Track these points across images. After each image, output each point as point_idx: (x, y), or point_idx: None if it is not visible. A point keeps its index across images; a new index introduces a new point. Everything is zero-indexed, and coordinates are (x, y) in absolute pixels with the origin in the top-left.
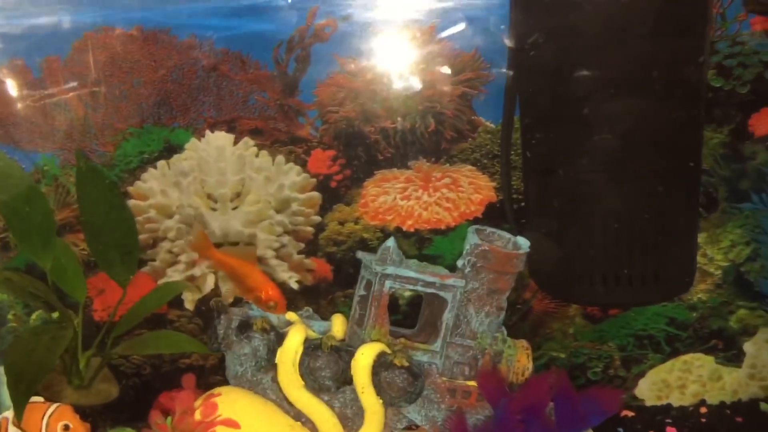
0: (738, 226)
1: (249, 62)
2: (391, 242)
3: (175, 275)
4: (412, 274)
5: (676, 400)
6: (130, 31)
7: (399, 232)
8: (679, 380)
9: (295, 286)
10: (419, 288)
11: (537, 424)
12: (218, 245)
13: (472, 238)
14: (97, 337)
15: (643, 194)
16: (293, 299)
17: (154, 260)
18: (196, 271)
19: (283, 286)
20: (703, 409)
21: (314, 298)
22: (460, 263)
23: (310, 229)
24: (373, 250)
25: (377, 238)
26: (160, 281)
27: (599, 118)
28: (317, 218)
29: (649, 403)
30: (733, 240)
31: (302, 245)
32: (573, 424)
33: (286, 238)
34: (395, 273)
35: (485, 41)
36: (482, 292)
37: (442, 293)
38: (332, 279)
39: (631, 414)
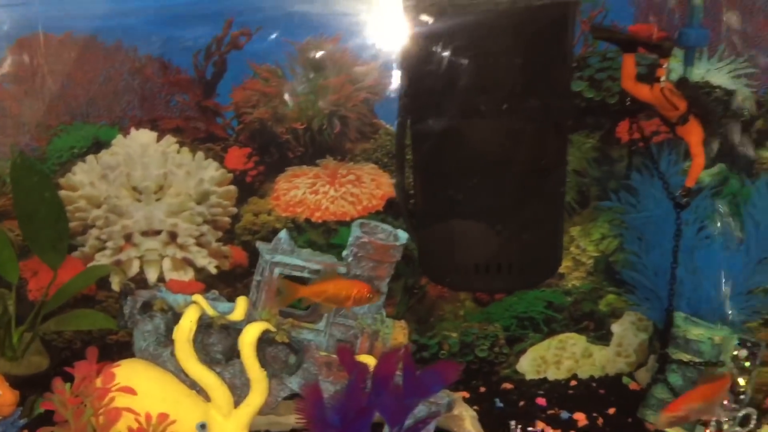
0: (607, 221)
1: (170, 67)
2: (283, 234)
3: (102, 259)
4: (298, 262)
5: (552, 375)
6: (60, 36)
7: (308, 223)
8: (555, 357)
9: (213, 270)
10: (306, 275)
11: (385, 391)
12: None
13: (355, 231)
14: (30, 315)
15: (510, 194)
16: (212, 283)
17: (83, 246)
18: (122, 256)
19: (202, 271)
20: (573, 382)
21: (231, 282)
22: (344, 253)
23: (227, 219)
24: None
25: (288, 227)
26: (89, 264)
27: (472, 128)
28: (234, 209)
29: (528, 377)
30: (602, 233)
31: (220, 234)
32: (416, 392)
33: (205, 227)
34: (283, 261)
35: (385, 51)
36: (363, 278)
37: None
38: (247, 265)
39: (510, 386)
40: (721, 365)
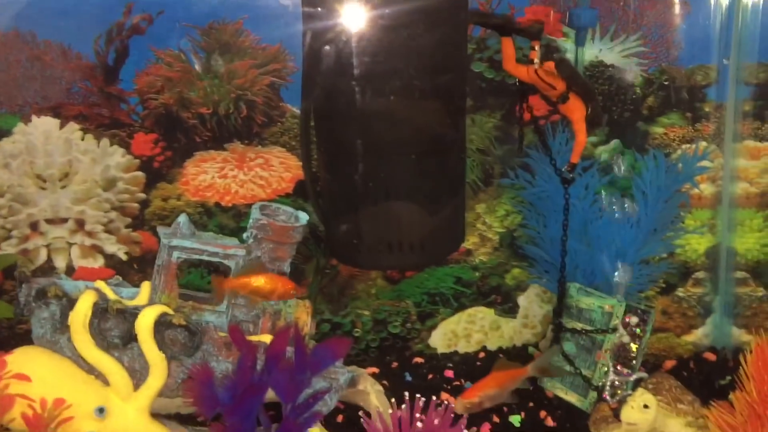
0: (510, 197)
1: (70, 53)
2: (182, 218)
3: (8, 249)
4: (196, 245)
5: (462, 348)
6: None
7: (218, 207)
8: (465, 330)
9: (124, 257)
10: (205, 257)
11: (277, 369)
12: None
13: (254, 213)
14: None
15: (411, 173)
16: (122, 269)
17: None
18: (29, 245)
19: (112, 258)
20: (482, 354)
21: (142, 267)
22: (245, 235)
23: (135, 205)
24: (194, 223)
25: (198, 212)
26: None
27: (370, 110)
28: (142, 195)
29: (440, 351)
30: (506, 210)
31: (129, 220)
32: (307, 368)
33: (113, 214)
34: (181, 244)
35: (289, 35)
36: (264, 260)
37: (225, 261)
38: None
39: (420, 360)
40: (611, 332)
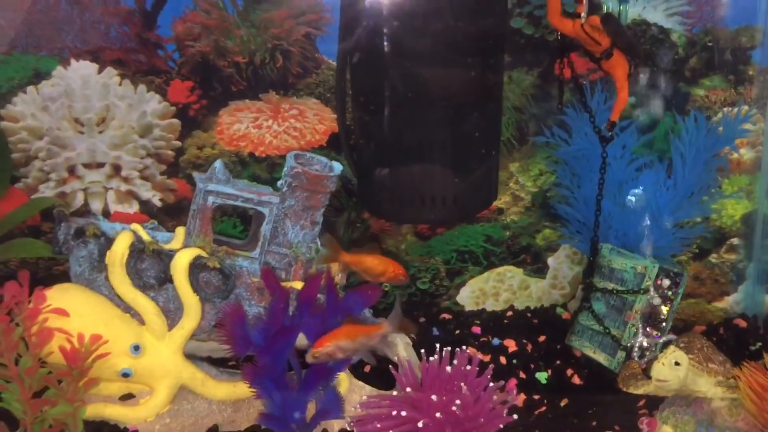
0: (544, 157)
1: None
2: (218, 163)
3: (46, 191)
4: (231, 190)
5: (490, 306)
6: None
7: (252, 157)
8: (493, 289)
9: (158, 203)
10: (239, 203)
11: (308, 313)
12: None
13: (289, 161)
14: None
15: (446, 130)
16: (157, 215)
17: (26, 177)
18: (66, 188)
19: (146, 204)
20: (510, 313)
21: (176, 215)
22: (279, 183)
23: (171, 152)
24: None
25: (232, 162)
26: (33, 196)
27: (407, 61)
28: (177, 143)
29: (467, 308)
30: (540, 169)
31: (164, 167)
32: (338, 313)
33: (149, 161)
34: (216, 189)
35: None
36: (298, 208)
37: (260, 208)
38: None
39: (449, 317)
40: (643, 293)
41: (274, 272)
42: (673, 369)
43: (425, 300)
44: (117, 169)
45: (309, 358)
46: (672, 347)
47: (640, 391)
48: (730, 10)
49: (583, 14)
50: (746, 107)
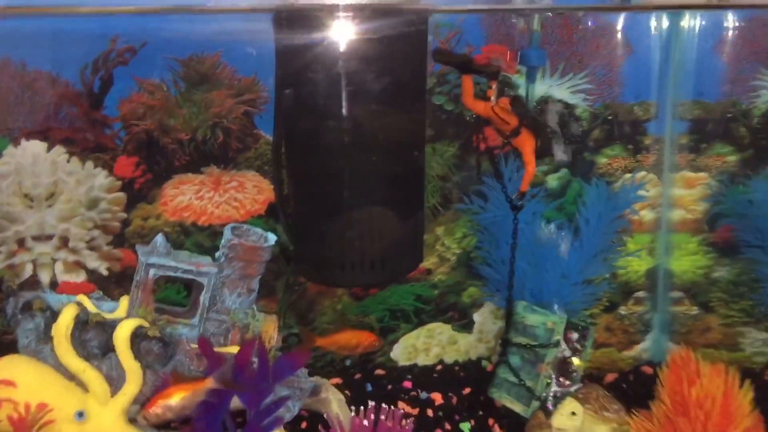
0: (467, 221)
1: (59, 81)
2: (159, 237)
3: None
4: (171, 263)
5: (421, 361)
6: None
7: (195, 227)
8: (424, 344)
9: (105, 272)
10: (179, 275)
11: (243, 375)
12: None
13: (226, 234)
14: None
15: (375, 198)
16: (104, 284)
17: None
18: (16, 260)
19: (93, 273)
20: (439, 367)
21: (122, 283)
22: (217, 255)
23: (117, 224)
24: (172, 241)
25: (176, 231)
26: None
27: (334, 142)
28: (123, 215)
29: (401, 363)
30: (464, 232)
31: (111, 238)
32: (268, 376)
33: (96, 232)
34: (157, 262)
35: (264, 68)
36: (234, 277)
37: (198, 278)
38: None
39: (382, 372)
40: (553, 346)
41: (210, 341)
42: (570, 419)
43: (361, 357)
44: (65, 240)
45: (140, 420)
46: (569, 399)
47: None
48: (626, 87)
49: (492, 98)
50: (643, 173)
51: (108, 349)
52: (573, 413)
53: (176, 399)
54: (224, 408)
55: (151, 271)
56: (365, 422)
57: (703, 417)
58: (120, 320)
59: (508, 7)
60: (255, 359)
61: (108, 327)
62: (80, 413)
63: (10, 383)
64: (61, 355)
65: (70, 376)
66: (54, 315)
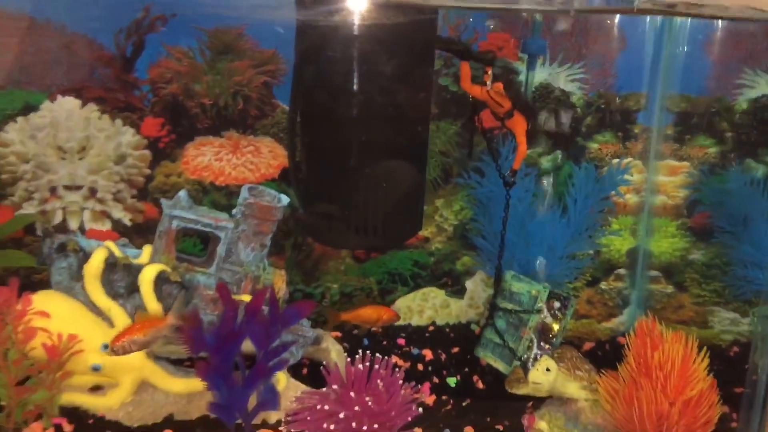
0: (465, 195)
1: (95, 43)
2: (182, 192)
3: (29, 209)
4: (192, 216)
5: (415, 321)
6: None
7: (213, 186)
8: (419, 307)
9: (128, 223)
10: (199, 227)
11: (254, 320)
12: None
13: (243, 193)
14: None
15: (380, 169)
16: (127, 233)
17: (13, 196)
18: (47, 207)
19: (118, 223)
20: (431, 328)
21: (143, 233)
22: (233, 211)
23: (141, 179)
24: (190, 198)
25: (195, 189)
26: (17, 212)
27: (346, 115)
28: (148, 171)
29: (396, 323)
30: (461, 205)
31: (135, 191)
32: (279, 322)
33: (122, 185)
34: (180, 215)
35: (284, 43)
36: (249, 233)
37: (216, 232)
38: (159, 219)
39: (378, 330)
40: (536, 312)
41: (228, 286)
42: (544, 374)
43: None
44: (93, 191)
45: (108, 353)
46: (545, 357)
47: (521, 392)
48: (619, 79)
49: (488, 82)
50: (628, 159)
51: (133, 289)
52: (547, 369)
53: (140, 335)
54: (236, 348)
55: (174, 223)
56: (360, 367)
57: (663, 378)
58: (144, 265)
59: (516, 6)
60: (266, 306)
61: (134, 270)
62: (105, 345)
63: (45, 314)
64: (90, 293)
65: (98, 312)
66: (86, 256)
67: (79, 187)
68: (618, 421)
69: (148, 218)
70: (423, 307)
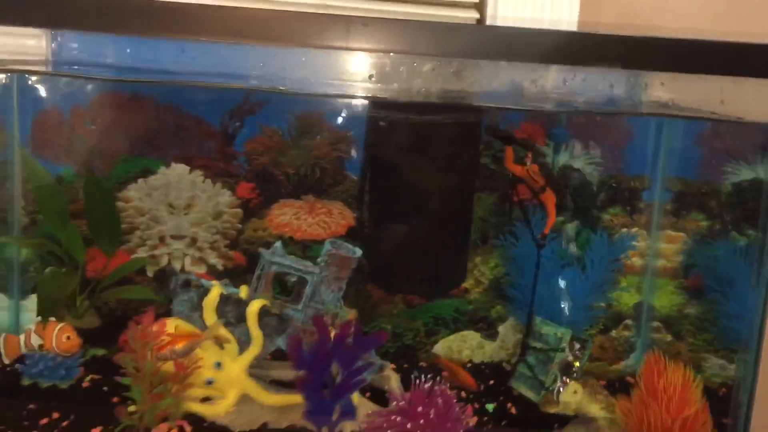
0: (500, 255)
1: (203, 122)
2: (278, 243)
3: (142, 253)
4: (287, 262)
5: (455, 359)
6: (128, 95)
7: (291, 240)
8: (458, 347)
9: (220, 268)
10: (292, 271)
11: (341, 346)
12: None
13: (327, 246)
14: (88, 287)
15: (434, 232)
16: (221, 276)
17: (129, 242)
18: (156, 252)
19: (213, 267)
20: (469, 364)
21: (234, 277)
22: (318, 260)
23: (234, 232)
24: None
25: (276, 241)
26: (132, 256)
27: (410, 190)
28: (239, 226)
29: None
30: (496, 262)
31: (228, 242)
32: (360, 347)
33: (217, 236)
34: (278, 261)
35: (355, 127)
36: (330, 278)
37: (306, 276)
38: (246, 265)
39: (424, 364)
40: (561, 351)
41: (323, 318)
42: (572, 396)
43: (408, 352)
44: (194, 240)
45: (153, 359)
46: (573, 382)
47: (552, 410)
48: (627, 164)
49: (528, 163)
50: (636, 229)
51: (240, 319)
52: (575, 392)
53: (178, 346)
54: (328, 367)
55: (273, 267)
56: (421, 387)
57: (667, 399)
58: (249, 300)
59: (544, 109)
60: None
61: (242, 304)
62: (218, 363)
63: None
64: (207, 320)
65: (213, 337)
66: (204, 292)
67: (183, 237)
68: None
69: (236, 264)
70: (462, 347)
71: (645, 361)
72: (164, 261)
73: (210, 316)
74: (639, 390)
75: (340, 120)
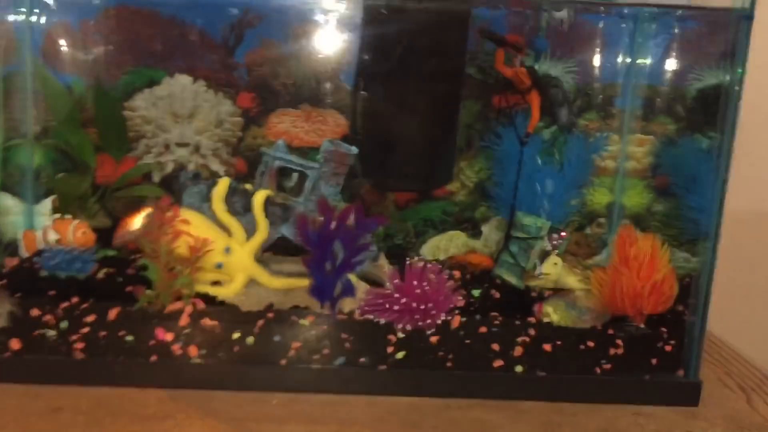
0: (483, 157)
1: (206, 35)
2: (281, 141)
3: (148, 159)
4: (289, 158)
5: (442, 256)
6: (134, 9)
7: (289, 146)
8: (445, 245)
9: (222, 173)
10: (294, 167)
11: (343, 227)
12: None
13: (325, 145)
14: (99, 191)
15: (422, 130)
16: None
17: (136, 149)
18: (162, 159)
19: (216, 174)
20: (450, 260)
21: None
22: (318, 157)
23: (235, 139)
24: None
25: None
26: (139, 162)
27: (401, 91)
28: (240, 134)
29: (427, 257)
30: (480, 166)
31: (229, 149)
32: (362, 228)
33: (220, 144)
34: (281, 156)
35: (348, 36)
36: (329, 173)
37: (307, 170)
38: (246, 171)
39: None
40: (540, 239)
41: (328, 202)
42: (553, 267)
43: (399, 251)
44: (197, 148)
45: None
46: (553, 254)
47: (533, 284)
48: (602, 71)
49: (518, 64)
50: (608, 133)
51: (247, 209)
52: (555, 263)
53: (133, 225)
54: (331, 246)
55: (276, 162)
56: (417, 265)
57: (637, 267)
58: (254, 191)
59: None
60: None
61: (248, 194)
62: (227, 248)
63: (187, 222)
64: (216, 210)
65: (221, 225)
66: (213, 183)
67: (187, 144)
68: (605, 301)
69: (237, 171)
70: (448, 246)
71: (618, 233)
72: (169, 167)
73: (219, 206)
74: (612, 261)
75: (334, 31)
